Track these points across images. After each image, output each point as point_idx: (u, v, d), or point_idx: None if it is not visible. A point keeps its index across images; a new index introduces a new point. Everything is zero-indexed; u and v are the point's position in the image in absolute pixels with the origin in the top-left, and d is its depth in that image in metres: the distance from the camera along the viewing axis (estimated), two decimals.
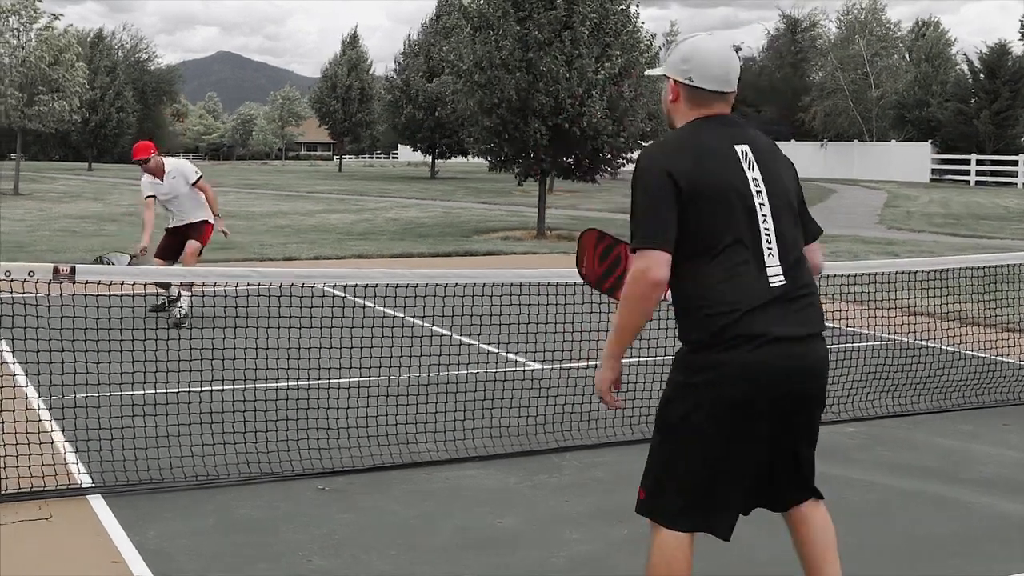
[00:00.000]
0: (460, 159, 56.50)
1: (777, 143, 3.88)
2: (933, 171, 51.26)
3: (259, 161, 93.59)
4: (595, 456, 6.58)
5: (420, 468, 6.22)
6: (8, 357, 6.31)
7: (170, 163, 11.67)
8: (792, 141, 56.50)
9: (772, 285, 3.49)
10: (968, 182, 48.67)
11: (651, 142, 3.67)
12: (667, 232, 3.43)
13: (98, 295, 6.12)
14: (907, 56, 61.83)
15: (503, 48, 20.07)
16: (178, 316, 10.84)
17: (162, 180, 11.43)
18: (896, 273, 8.87)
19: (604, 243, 4.13)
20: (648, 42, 22.53)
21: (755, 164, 3.59)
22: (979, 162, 49.11)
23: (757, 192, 3.55)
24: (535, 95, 20.04)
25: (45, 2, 34.14)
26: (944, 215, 29.48)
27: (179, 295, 11.11)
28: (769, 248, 3.52)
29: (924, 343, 9.52)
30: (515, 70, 20.03)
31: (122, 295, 6.25)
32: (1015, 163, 47.39)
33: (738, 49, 69.52)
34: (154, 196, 11.43)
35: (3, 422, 5.50)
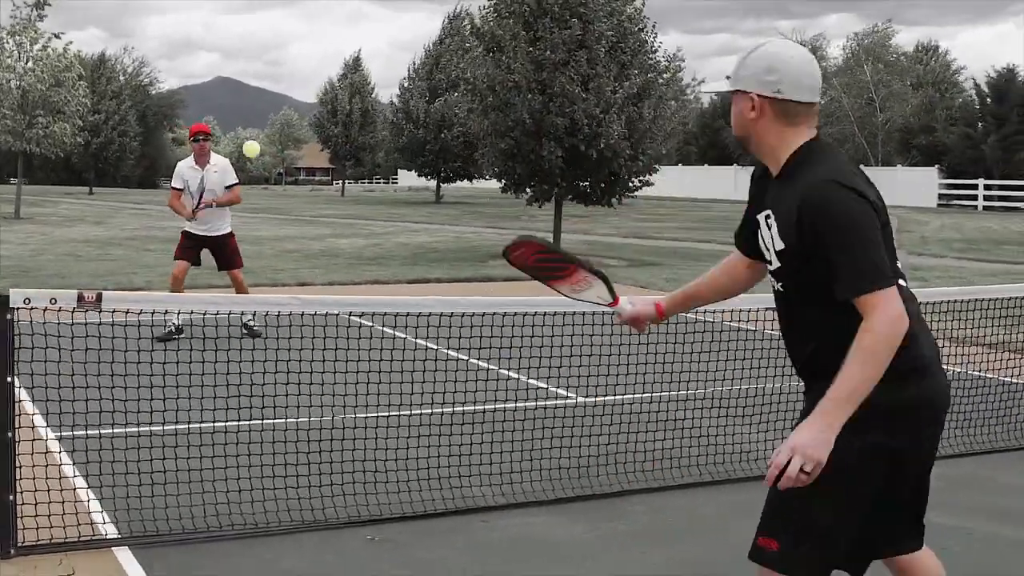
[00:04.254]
0: (464, 183, 55.98)
1: None
2: (940, 196, 50.74)
3: (259, 185, 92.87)
4: (663, 500, 6.02)
5: (476, 514, 5.67)
6: (24, 394, 5.72)
7: (215, 157, 11.21)
8: None
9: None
10: (976, 207, 48.17)
11: (830, 173, 3.05)
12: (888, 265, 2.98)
13: (126, 324, 5.56)
14: (907, 81, 61.34)
15: (515, 71, 19.64)
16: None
17: (202, 168, 10.93)
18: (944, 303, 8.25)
19: (552, 256, 3.63)
20: (666, 63, 21.98)
21: None
22: (987, 187, 48.65)
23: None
24: (548, 116, 19.56)
25: (46, 23, 33.69)
26: (961, 240, 28.93)
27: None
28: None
29: (982, 374, 8.96)
30: (528, 92, 19.58)
31: (152, 324, 5.69)
32: None
33: None
34: (181, 190, 10.88)
35: (20, 467, 4.95)
